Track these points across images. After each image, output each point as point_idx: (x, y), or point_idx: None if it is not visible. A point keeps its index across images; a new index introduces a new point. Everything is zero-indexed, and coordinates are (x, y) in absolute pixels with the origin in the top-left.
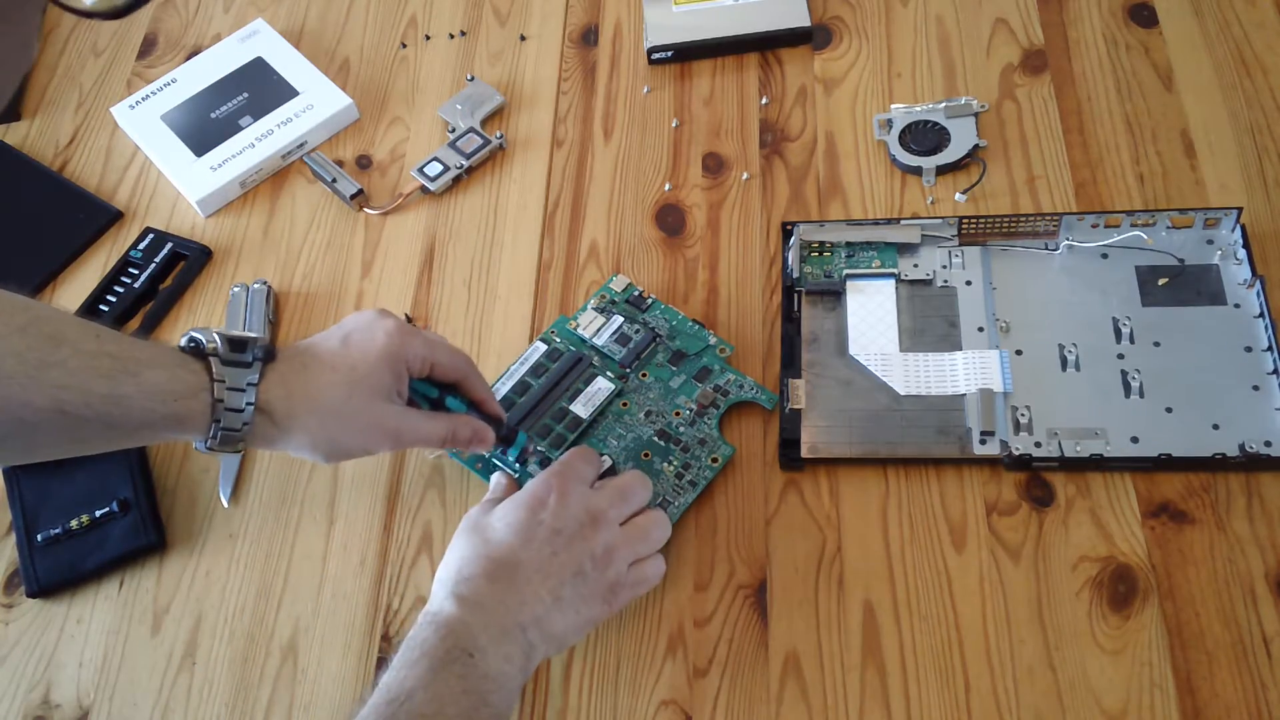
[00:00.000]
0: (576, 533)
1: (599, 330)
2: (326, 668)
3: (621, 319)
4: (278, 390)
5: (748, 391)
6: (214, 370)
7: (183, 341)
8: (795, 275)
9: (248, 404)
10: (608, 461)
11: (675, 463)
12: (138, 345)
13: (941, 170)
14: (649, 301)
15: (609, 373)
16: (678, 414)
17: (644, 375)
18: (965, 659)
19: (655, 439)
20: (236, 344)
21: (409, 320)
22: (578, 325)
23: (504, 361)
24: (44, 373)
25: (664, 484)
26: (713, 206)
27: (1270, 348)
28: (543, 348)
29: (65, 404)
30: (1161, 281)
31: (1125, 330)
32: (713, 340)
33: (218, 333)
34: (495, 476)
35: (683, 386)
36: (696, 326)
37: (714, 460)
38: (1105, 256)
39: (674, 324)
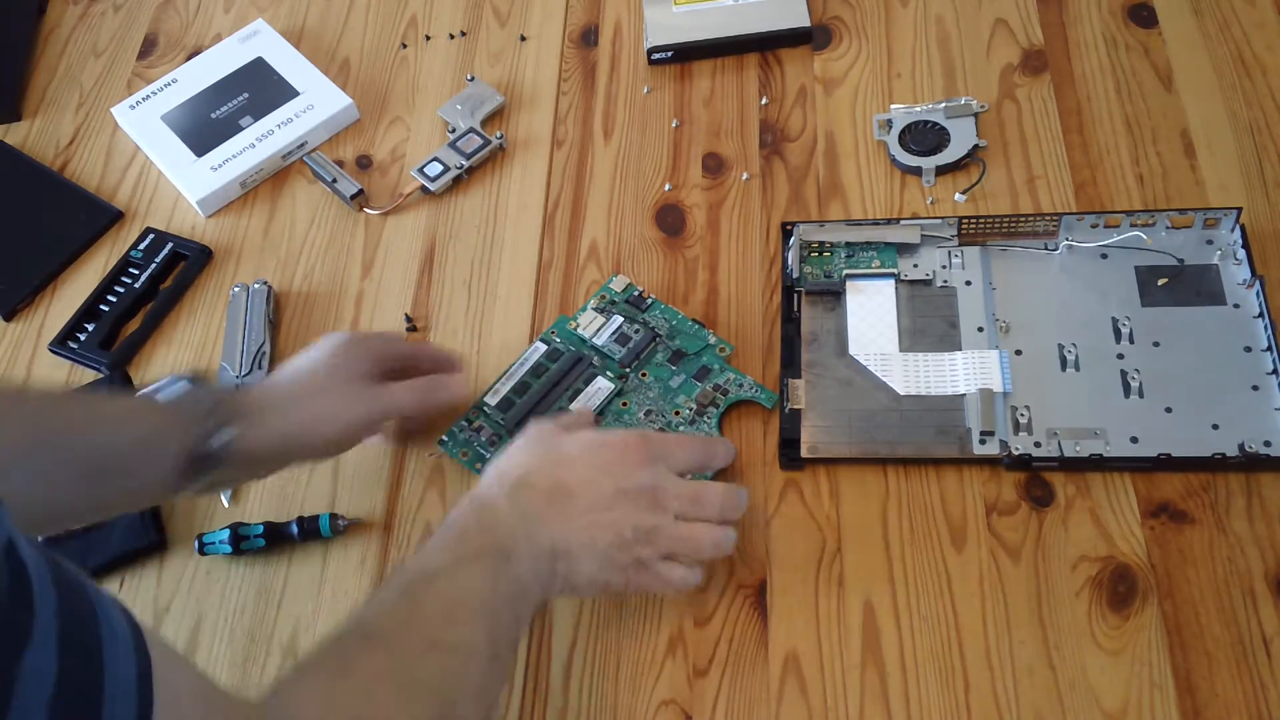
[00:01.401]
0: (636, 500)
1: (599, 330)
2: None
3: (621, 319)
4: (246, 395)
5: (747, 390)
6: (181, 388)
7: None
8: (795, 275)
9: (215, 410)
10: (724, 459)
11: None
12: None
13: (941, 170)
14: (649, 301)
15: (608, 372)
16: (677, 413)
17: (644, 375)
18: (965, 659)
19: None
20: (194, 376)
21: (408, 320)
22: (578, 325)
23: (504, 361)
24: (16, 407)
25: None
26: (713, 206)
27: (1270, 348)
28: (542, 348)
29: (41, 436)
30: (1161, 282)
31: (1125, 330)
32: (712, 340)
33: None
34: (578, 405)
35: (682, 386)
36: (696, 326)
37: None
38: (1105, 257)
39: (674, 324)
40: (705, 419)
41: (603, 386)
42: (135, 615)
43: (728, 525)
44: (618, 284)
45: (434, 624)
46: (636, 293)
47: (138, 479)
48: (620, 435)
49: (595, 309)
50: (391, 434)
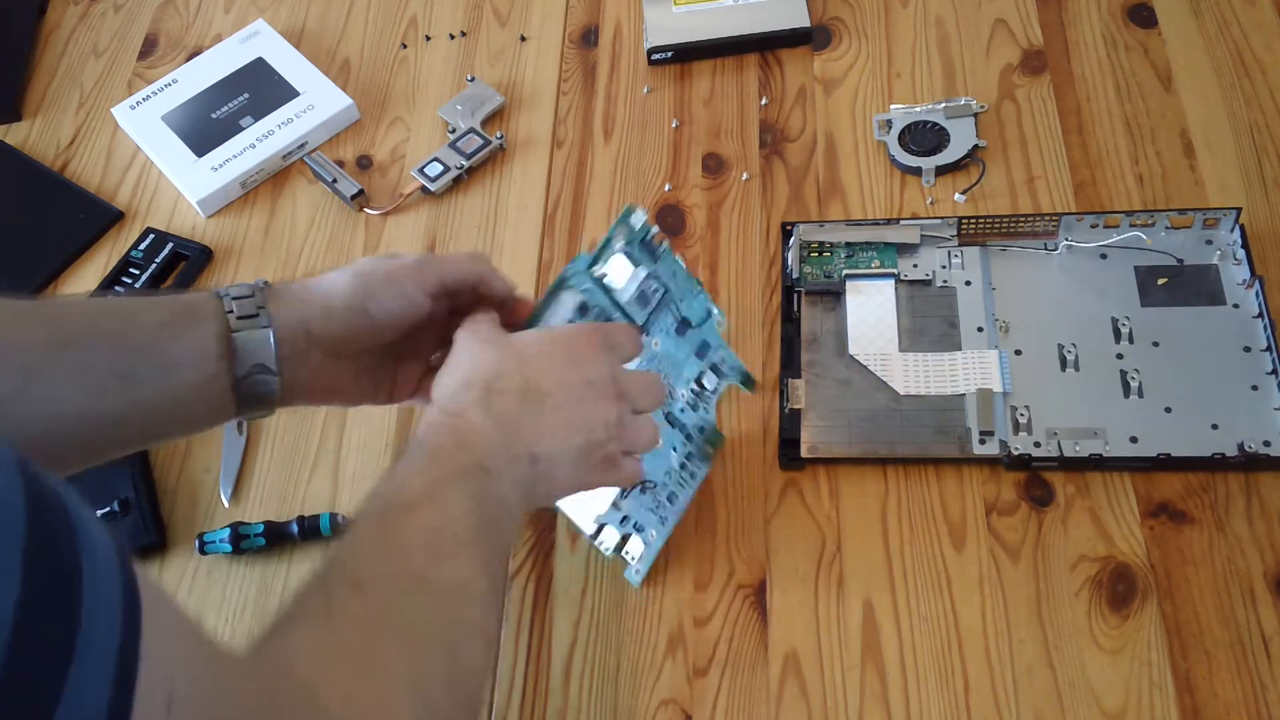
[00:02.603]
0: (603, 393)
1: (626, 283)
2: None
3: (645, 272)
4: (284, 285)
5: (729, 374)
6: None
7: None
8: (795, 275)
9: (256, 286)
10: (636, 344)
11: (678, 450)
12: None
13: (941, 170)
14: (661, 249)
15: None
16: (682, 394)
17: (656, 344)
18: (965, 658)
19: (665, 422)
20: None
21: None
22: (605, 274)
23: None
24: (37, 311)
25: (670, 476)
26: (713, 207)
27: (1269, 348)
28: (571, 302)
29: (64, 334)
30: (1160, 282)
31: (1124, 330)
32: (715, 311)
33: None
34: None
35: (686, 363)
36: (698, 287)
37: (709, 449)
38: (1104, 257)
39: (678, 280)
40: (704, 402)
41: None
42: (127, 549)
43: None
44: (637, 220)
45: (420, 560)
46: (652, 233)
47: (178, 372)
48: (568, 328)
49: (624, 253)
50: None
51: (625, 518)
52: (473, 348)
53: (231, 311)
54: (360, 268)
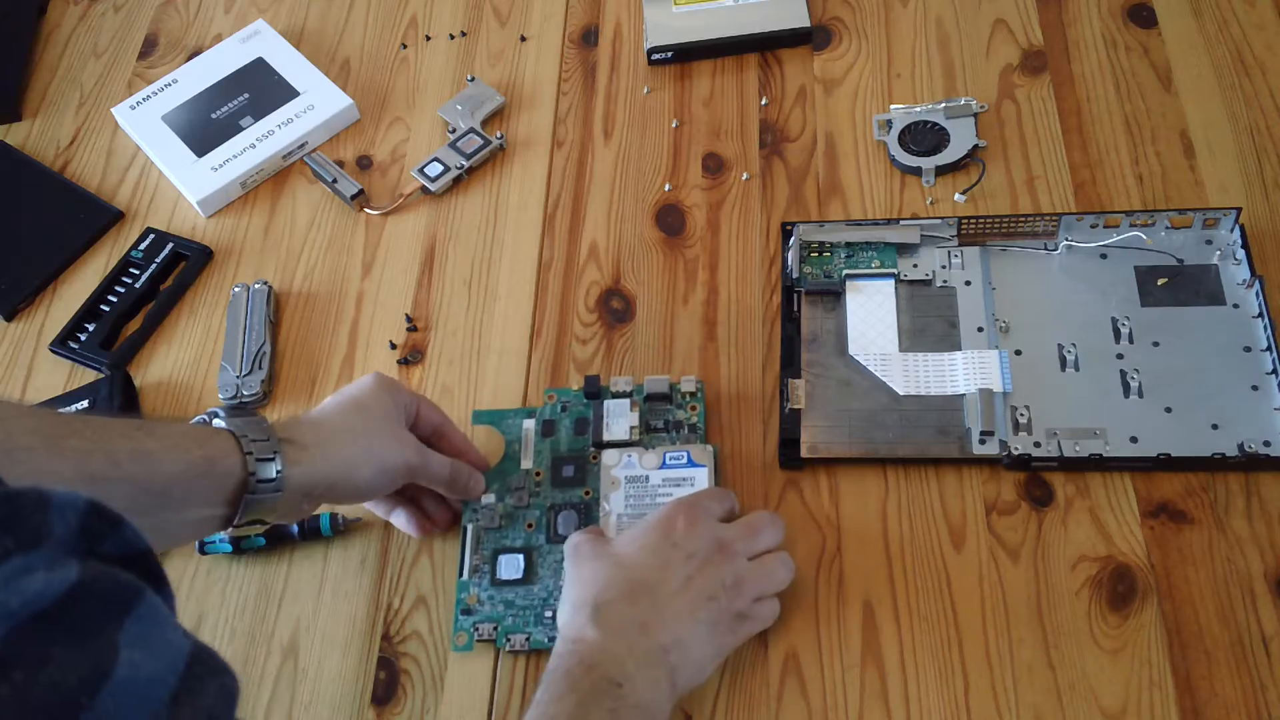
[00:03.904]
0: (708, 558)
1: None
2: (327, 667)
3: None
4: (294, 427)
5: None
6: (223, 422)
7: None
8: (795, 275)
9: (269, 434)
10: (735, 504)
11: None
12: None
13: (941, 170)
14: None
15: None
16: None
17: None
18: (964, 658)
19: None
20: (233, 407)
21: (409, 320)
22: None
23: (504, 361)
24: (64, 441)
25: None
26: (713, 207)
27: (1269, 347)
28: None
29: (91, 468)
30: (1160, 282)
31: (1124, 330)
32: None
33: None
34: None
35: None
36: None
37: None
38: (1104, 257)
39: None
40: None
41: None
42: None
43: (781, 549)
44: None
45: None
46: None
47: (187, 510)
48: (658, 514)
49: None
50: (401, 523)
51: None
52: (576, 572)
53: (253, 474)
54: (383, 458)
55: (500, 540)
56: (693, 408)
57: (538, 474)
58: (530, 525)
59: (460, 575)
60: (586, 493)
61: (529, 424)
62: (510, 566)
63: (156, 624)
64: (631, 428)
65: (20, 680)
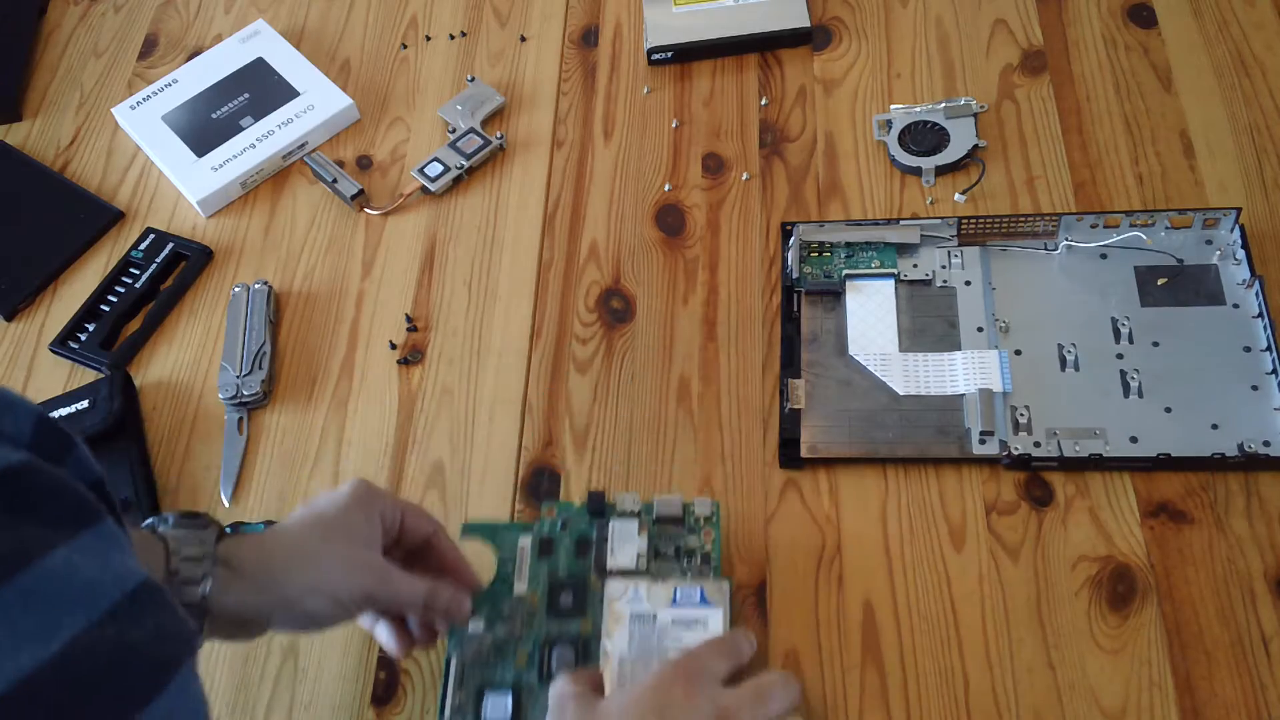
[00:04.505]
0: None
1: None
2: (327, 667)
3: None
4: (240, 545)
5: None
6: (164, 529)
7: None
8: (795, 275)
9: (205, 553)
10: (750, 649)
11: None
12: None
13: (941, 170)
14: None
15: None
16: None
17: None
18: (964, 658)
19: None
20: (188, 514)
21: (409, 320)
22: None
23: (505, 361)
24: None
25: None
26: (713, 207)
27: (1269, 347)
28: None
29: None
30: (1160, 282)
31: (1124, 330)
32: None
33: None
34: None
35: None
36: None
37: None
38: (1104, 257)
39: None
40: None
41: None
42: None
43: (794, 714)
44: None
45: None
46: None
47: None
48: (653, 679)
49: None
50: (383, 638)
51: None
52: None
53: (177, 592)
54: (335, 589)
55: (487, 675)
56: (707, 534)
57: (532, 599)
58: (521, 661)
59: (441, 717)
60: (585, 625)
61: (525, 541)
62: (497, 708)
63: (115, 545)
64: (639, 555)
65: None
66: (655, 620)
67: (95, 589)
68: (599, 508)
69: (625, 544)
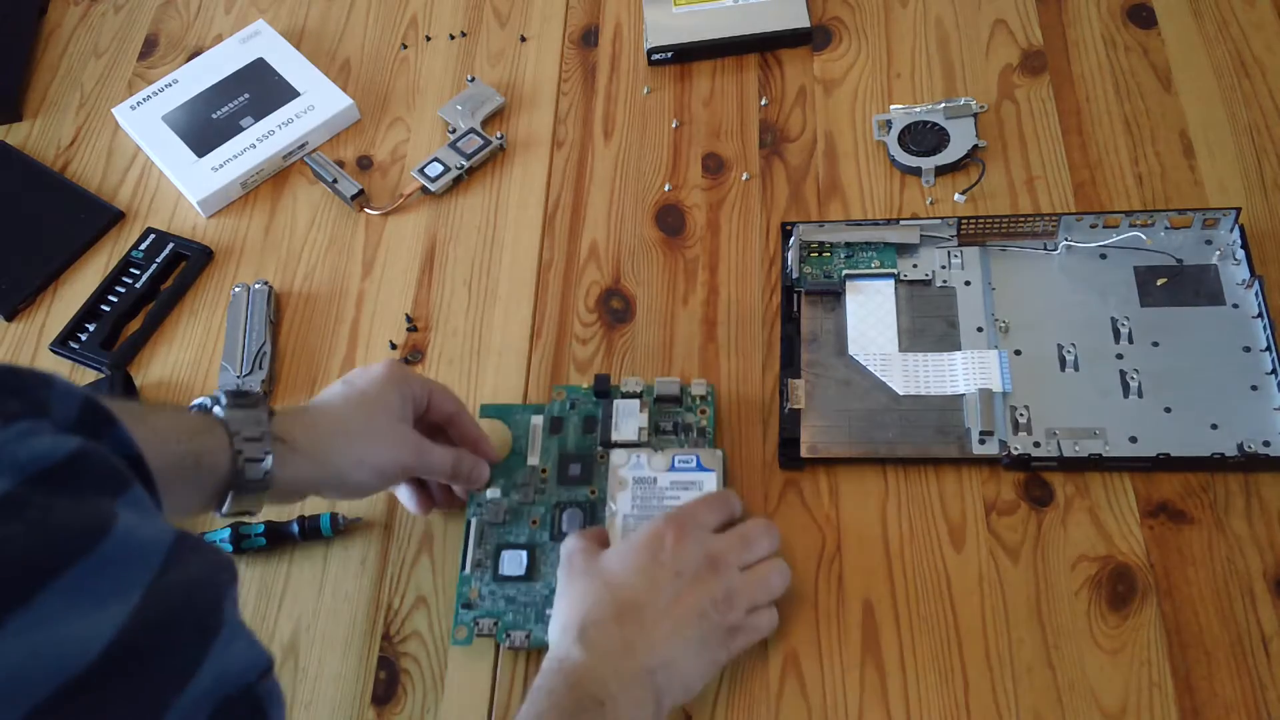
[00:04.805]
0: (696, 575)
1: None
2: (327, 667)
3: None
4: (293, 423)
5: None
6: (221, 412)
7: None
8: (795, 275)
9: (264, 433)
10: (738, 505)
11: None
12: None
13: (941, 171)
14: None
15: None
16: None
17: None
18: (964, 658)
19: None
20: (237, 393)
21: (409, 320)
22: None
23: (505, 360)
24: None
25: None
26: (712, 207)
27: (1269, 347)
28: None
29: None
30: (1160, 282)
31: (1124, 330)
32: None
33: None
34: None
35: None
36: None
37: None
38: (1104, 257)
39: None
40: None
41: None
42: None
43: (776, 556)
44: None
45: None
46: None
47: (175, 499)
48: (648, 529)
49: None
50: (405, 498)
51: None
52: (566, 586)
53: (240, 472)
54: (378, 462)
55: (504, 536)
56: (703, 411)
57: (544, 471)
58: (535, 522)
59: (462, 569)
60: (592, 491)
61: (537, 420)
62: (513, 563)
63: (146, 509)
64: (640, 429)
65: (34, 518)
66: (655, 483)
67: (150, 546)
68: (604, 389)
69: (628, 419)
